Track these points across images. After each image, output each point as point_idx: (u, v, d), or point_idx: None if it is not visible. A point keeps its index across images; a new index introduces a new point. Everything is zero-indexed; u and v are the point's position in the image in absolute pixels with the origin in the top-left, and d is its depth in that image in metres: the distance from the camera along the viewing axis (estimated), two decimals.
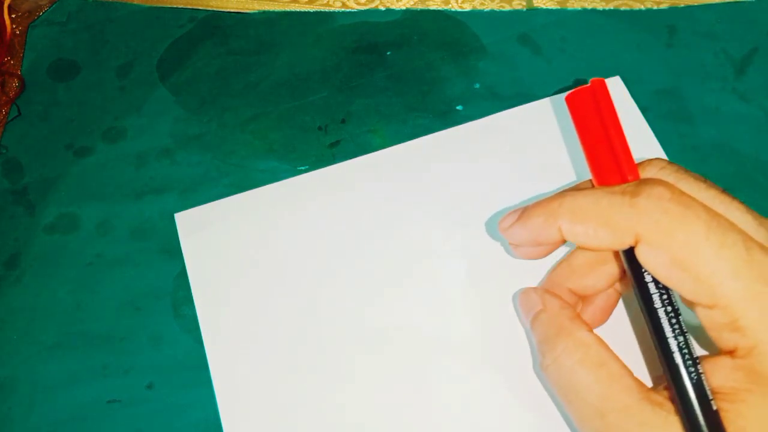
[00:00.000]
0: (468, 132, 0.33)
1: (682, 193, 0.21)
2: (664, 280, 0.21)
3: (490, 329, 0.28)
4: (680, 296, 0.21)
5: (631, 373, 0.22)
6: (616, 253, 0.24)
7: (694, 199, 0.21)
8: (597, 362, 0.22)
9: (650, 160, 0.24)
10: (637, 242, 0.21)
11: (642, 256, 0.21)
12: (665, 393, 0.21)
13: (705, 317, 0.21)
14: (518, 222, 0.24)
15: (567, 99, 0.24)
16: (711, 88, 0.34)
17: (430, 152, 0.32)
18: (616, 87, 0.34)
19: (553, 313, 0.24)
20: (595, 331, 0.23)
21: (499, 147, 0.32)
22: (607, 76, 0.34)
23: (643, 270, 0.22)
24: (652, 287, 0.22)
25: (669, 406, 0.21)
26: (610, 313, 0.26)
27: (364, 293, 0.29)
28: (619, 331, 0.27)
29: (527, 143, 0.32)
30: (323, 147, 0.33)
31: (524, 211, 0.24)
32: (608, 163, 0.23)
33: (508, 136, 0.33)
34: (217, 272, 0.30)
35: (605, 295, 0.26)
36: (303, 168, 0.33)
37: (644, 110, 0.33)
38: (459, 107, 0.34)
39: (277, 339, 0.28)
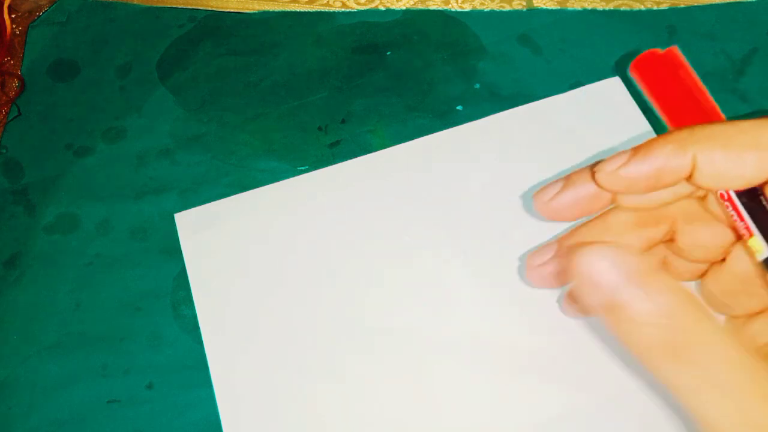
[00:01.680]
0: (468, 132, 0.33)
1: None
2: None
3: (492, 328, 0.28)
4: None
5: None
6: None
7: None
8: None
9: None
10: None
11: None
12: None
13: None
14: (637, 157, 0.20)
15: (632, 67, 0.22)
16: (711, 88, 0.34)
17: (430, 152, 0.32)
18: (615, 87, 0.34)
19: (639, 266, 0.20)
20: None
21: (499, 147, 0.32)
22: (607, 77, 0.34)
23: None
24: None
25: None
26: None
27: (363, 293, 0.29)
28: None
29: (527, 143, 0.32)
30: (323, 147, 0.33)
31: (639, 147, 0.20)
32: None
33: (508, 136, 0.32)
34: (217, 272, 0.30)
35: None
36: (303, 168, 0.33)
37: (644, 110, 0.33)
38: (459, 107, 0.34)
39: (277, 339, 0.28)
